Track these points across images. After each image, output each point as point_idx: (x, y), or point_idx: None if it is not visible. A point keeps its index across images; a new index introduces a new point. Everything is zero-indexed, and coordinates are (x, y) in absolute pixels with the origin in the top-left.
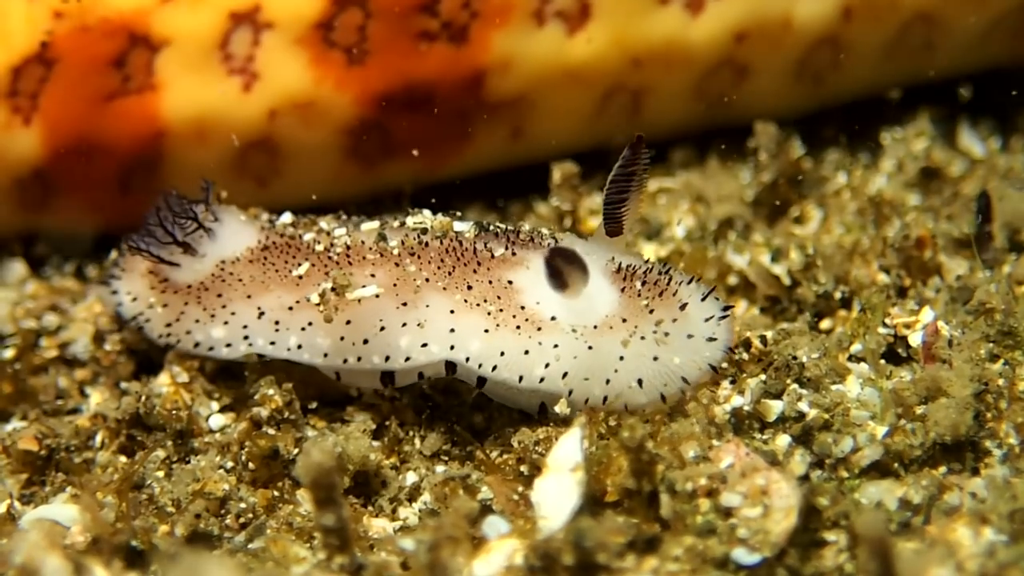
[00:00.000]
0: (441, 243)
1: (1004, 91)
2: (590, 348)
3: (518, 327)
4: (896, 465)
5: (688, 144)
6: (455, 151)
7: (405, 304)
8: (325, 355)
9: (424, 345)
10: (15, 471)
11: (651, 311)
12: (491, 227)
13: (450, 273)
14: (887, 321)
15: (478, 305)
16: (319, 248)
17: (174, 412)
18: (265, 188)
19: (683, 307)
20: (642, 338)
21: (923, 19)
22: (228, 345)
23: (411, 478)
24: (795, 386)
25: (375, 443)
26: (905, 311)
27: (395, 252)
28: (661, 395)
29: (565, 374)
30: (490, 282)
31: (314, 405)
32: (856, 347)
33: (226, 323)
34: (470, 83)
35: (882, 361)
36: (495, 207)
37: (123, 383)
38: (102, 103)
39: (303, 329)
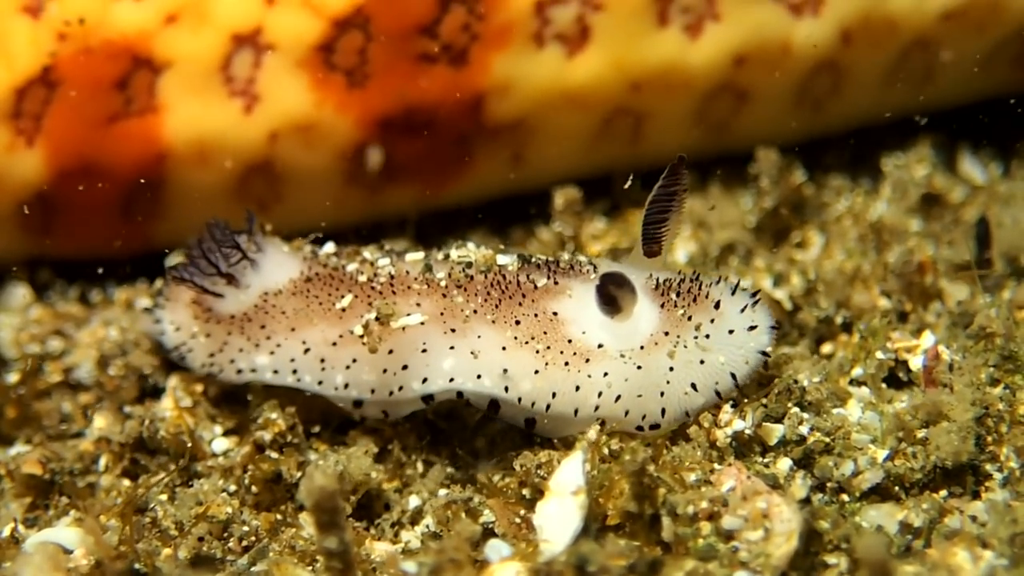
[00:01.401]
0: (486, 277)
1: (1005, 117)
2: (639, 368)
3: (567, 363)
4: (897, 489)
5: (690, 170)
6: (456, 176)
7: (454, 331)
8: (372, 391)
9: (479, 377)
10: (19, 495)
11: (689, 318)
12: (533, 259)
13: (497, 306)
14: (888, 345)
15: (527, 343)
16: (362, 279)
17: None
18: (267, 213)
19: (717, 305)
20: (685, 346)
21: (922, 45)
22: (275, 372)
23: (413, 501)
24: (796, 410)
25: (379, 466)
26: (906, 335)
27: (442, 284)
28: (716, 392)
29: (618, 398)
30: (536, 315)
31: (317, 429)
32: (857, 371)
33: (272, 353)
34: (470, 106)
35: (883, 385)
36: (498, 233)
37: (127, 407)
38: (105, 125)
39: (348, 368)
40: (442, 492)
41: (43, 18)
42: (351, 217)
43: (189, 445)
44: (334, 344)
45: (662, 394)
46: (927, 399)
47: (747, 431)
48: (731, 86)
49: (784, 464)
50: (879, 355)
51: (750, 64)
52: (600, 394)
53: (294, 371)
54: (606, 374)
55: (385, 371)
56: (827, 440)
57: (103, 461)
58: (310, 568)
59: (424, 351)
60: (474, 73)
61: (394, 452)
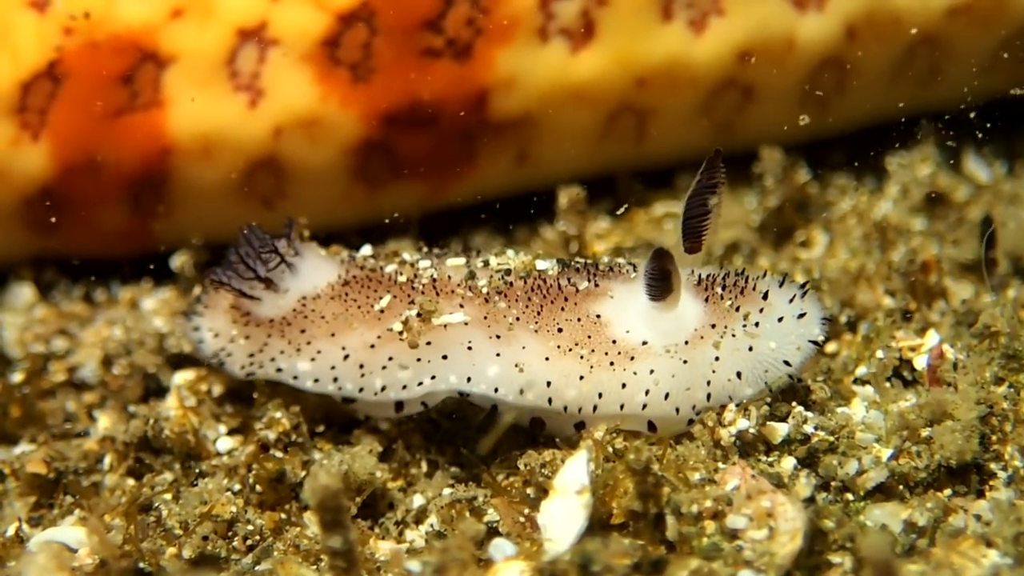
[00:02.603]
0: (526, 282)
1: (1010, 116)
2: (685, 362)
3: (612, 364)
4: (901, 488)
5: (694, 169)
6: (461, 174)
7: (499, 336)
8: (404, 387)
9: (522, 392)
10: (24, 494)
11: (737, 308)
12: (572, 263)
13: (539, 312)
14: (892, 344)
15: (570, 350)
16: (402, 279)
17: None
18: (272, 210)
19: (765, 296)
20: (733, 335)
21: (928, 41)
22: (316, 380)
23: (418, 500)
24: (800, 409)
25: (383, 465)
26: (910, 334)
27: (483, 291)
28: (766, 383)
29: (667, 395)
30: (579, 319)
31: (321, 428)
32: (861, 370)
33: (312, 360)
34: (474, 101)
35: (887, 384)
36: (502, 233)
37: (131, 406)
38: (110, 119)
39: (383, 368)
40: (446, 491)
41: (49, 12)
42: (356, 215)
43: (193, 444)
44: (372, 346)
45: (708, 383)
46: (931, 398)
47: (751, 430)
48: (736, 82)
49: (788, 463)
50: (883, 354)
51: (755, 59)
52: (647, 392)
53: (335, 379)
54: (652, 371)
55: (420, 360)
56: (831, 439)
57: (107, 460)
58: (314, 567)
59: (469, 349)
60: (478, 68)
61: (398, 451)
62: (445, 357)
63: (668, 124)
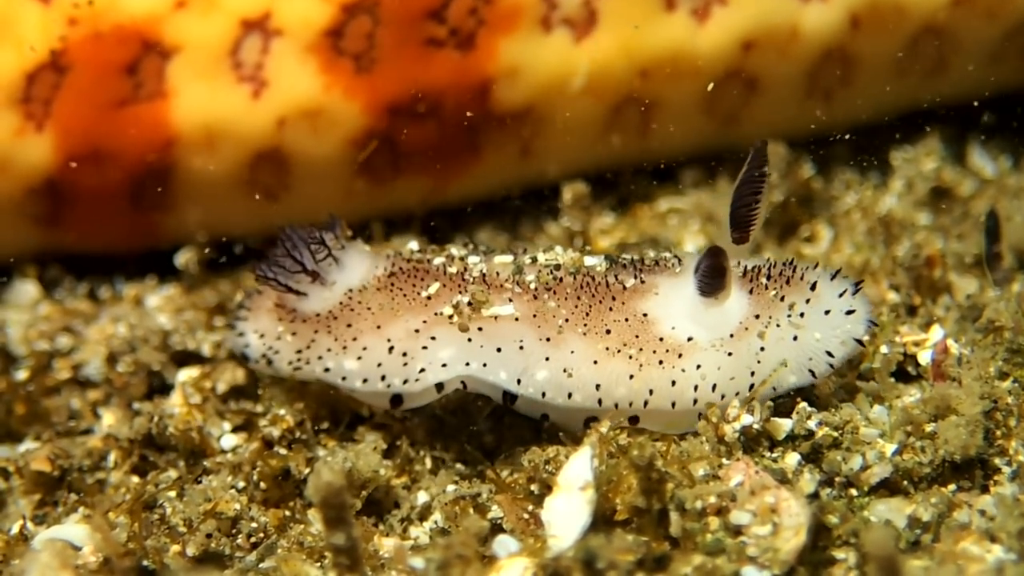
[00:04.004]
0: (575, 279)
1: (1015, 110)
2: (730, 355)
3: (661, 362)
4: (905, 483)
5: (698, 164)
6: (465, 167)
7: (549, 339)
8: (444, 365)
9: (570, 396)
10: (28, 492)
11: (782, 298)
12: (619, 259)
13: (587, 313)
14: (896, 339)
15: (619, 351)
16: (451, 271)
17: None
18: (276, 203)
19: (813, 287)
20: (778, 325)
21: (932, 32)
22: (365, 380)
23: (422, 497)
24: (804, 404)
25: (387, 462)
26: (915, 329)
27: (532, 286)
28: (811, 371)
29: (714, 387)
30: (626, 319)
31: (326, 425)
32: (865, 365)
33: (359, 358)
34: (477, 92)
35: (891, 379)
36: (506, 229)
37: (135, 404)
38: (114, 110)
39: (424, 348)
40: (450, 488)
41: (53, 3)
42: (360, 209)
43: (197, 441)
44: (416, 331)
45: (753, 373)
46: (935, 393)
47: (755, 426)
48: (740, 73)
49: (792, 459)
50: (887, 349)
51: (758, 49)
52: (696, 387)
53: (383, 377)
54: (699, 366)
55: (470, 340)
56: (835, 435)
57: (112, 458)
58: (318, 564)
59: (521, 348)
60: (481, 58)
61: (402, 448)
62: (499, 350)
63: (672, 116)
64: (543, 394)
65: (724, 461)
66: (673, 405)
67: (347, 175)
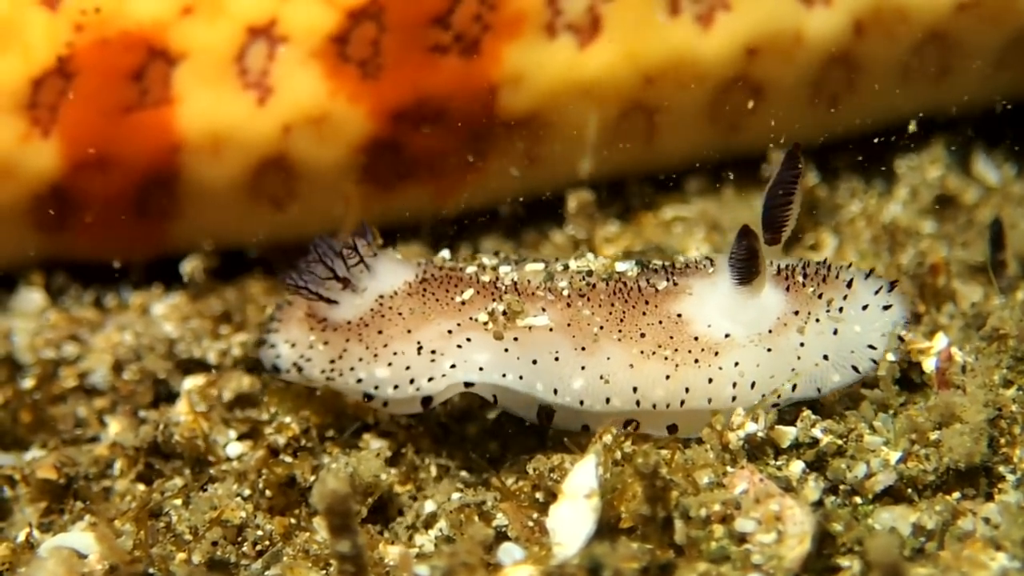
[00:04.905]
0: (607, 285)
1: (1021, 117)
2: (769, 351)
3: (696, 360)
4: (910, 491)
5: (703, 172)
6: (470, 175)
7: (584, 348)
8: (480, 368)
9: (608, 401)
10: (34, 500)
11: (820, 295)
12: (650, 264)
13: (622, 319)
14: (901, 347)
15: (654, 353)
16: (484, 279)
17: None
18: (282, 212)
19: (850, 284)
20: (817, 320)
21: (936, 38)
22: (396, 387)
23: (427, 505)
24: (808, 412)
25: (392, 470)
26: (919, 337)
27: (565, 293)
28: (853, 367)
29: (753, 384)
30: (660, 322)
31: (331, 433)
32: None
33: (390, 364)
34: (482, 98)
35: (896, 387)
36: (511, 237)
37: (141, 412)
38: (120, 116)
39: (459, 347)
40: (455, 495)
41: (60, 9)
42: (366, 217)
43: (203, 449)
44: (449, 332)
45: (793, 369)
46: (940, 401)
47: (759, 433)
48: (745, 79)
49: (797, 466)
50: (892, 357)
51: (763, 55)
52: (734, 384)
53: (411, 380)
54: (737, 363)
55: (507, 351)
56: (840, 442)
57: (118, 466)
58: (324, 572)
59: (556, 359)
60: (486, 64)
61: (407, 455)
62: (535, 362)
63: (678, 123)
64: (581, 402)
65: (729, 469)
66: (709, 402)
67: (353, 182)
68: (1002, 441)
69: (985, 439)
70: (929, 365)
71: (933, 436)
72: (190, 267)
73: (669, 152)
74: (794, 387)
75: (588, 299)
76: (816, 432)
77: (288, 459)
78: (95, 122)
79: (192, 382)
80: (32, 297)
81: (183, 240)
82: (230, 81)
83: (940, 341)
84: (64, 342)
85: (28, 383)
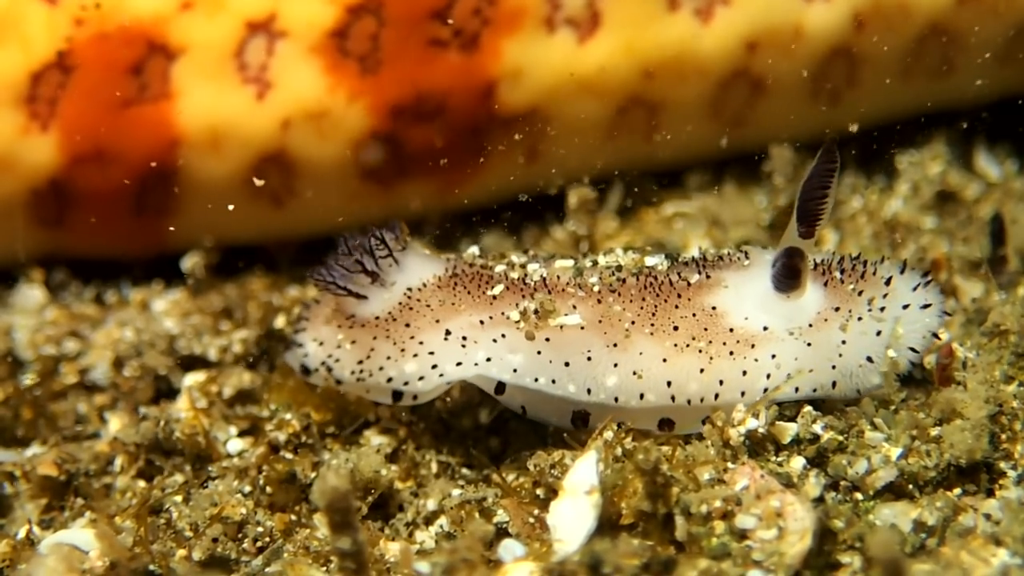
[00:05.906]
0: (638, 279)
1: (1022, 113)
2: (808, 345)
3: (731, 352)
4: (911, 487)
5: (704, 168)
6: (471, 171)
7: (616, 345)
8: (515, 370)
9: (642, 396)
10: (35, 496)
11: (860, 292)
12: (680, 257)
13: (654, 313)
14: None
15: (688, 346)
16: (513, 276)
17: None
18: (281, 208)
19: (888, 282)
20: (859, 319)
21: (937, 32)
22: (421, 378)
23: (428, 502)
24: (809, 408)
25: (393, 466)
26: None
27: (595, 289)
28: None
29: (788, 376)
30: (694, 314)
31: (331, 429)
32: None
33: (416, 355)
34: (482, 93)
35: (897, 383)
36: (512, 233)
37: (142, 408)
38: (119, 110)
39: (494, 341)
40: (456, 492)
41: (60, 3)
42: (366, 214)
43: (204, 446)
44: (481, 323)
45: (833, 367)
46: (941, 397)
47: (760, 429)
48: (745, 74)
49: (798, 463)
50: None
51: (763, 49)
52: (768, 375)
53: (434, 365)
54: (774, 356)
55: (539, 353)
56: (841, 438)
57: (118, 462)
58: (324, 569)
59: (589, 359)
60: (485, 59)
61: (408, 451)
62: (567, 364)
63: (679, 118)
64: (616, 399)
65: (729, 465)
66: (742, 394)
67: (352, 178)
68: (1003, 437)
69: (986, 435)
70: (930, 361)
71: (934, 432)
72: (191, 263)
73: (670, 148)
74: (834, 384)
75: (619, 294)
76: (817, 428)
77: (289, 455)
78: (94, 116)
79: (193, 378)
80: (32, 293)
81: (182, 236)
82: (229, 76)
83: (941, 337)
84: (65, 338)
85: (29, 379)
